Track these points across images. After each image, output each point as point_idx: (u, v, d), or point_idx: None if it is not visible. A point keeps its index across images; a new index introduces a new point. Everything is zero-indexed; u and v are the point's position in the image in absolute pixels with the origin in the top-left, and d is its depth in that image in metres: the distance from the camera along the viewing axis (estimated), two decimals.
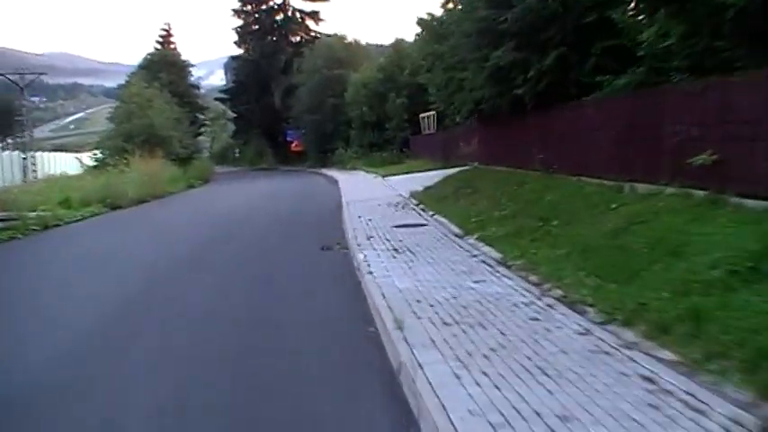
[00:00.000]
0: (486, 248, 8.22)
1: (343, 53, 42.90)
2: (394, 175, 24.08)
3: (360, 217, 12.51)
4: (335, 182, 25.76)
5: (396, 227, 10.88)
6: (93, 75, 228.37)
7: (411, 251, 8.51)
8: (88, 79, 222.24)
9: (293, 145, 50.16)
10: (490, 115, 15.37)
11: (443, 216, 11.47)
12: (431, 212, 12.39)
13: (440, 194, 14.75)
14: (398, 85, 35.60)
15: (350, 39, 44.73)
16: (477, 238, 8.90)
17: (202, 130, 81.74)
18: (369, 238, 9.79)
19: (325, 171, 35.26)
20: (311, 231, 11.97)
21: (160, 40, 54.83)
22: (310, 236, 11.35)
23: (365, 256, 8.30)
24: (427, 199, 14.44)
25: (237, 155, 76.67)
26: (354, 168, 33.32)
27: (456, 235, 9.64)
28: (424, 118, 30.78)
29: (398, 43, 37.92)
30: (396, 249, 8.71)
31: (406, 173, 24.09)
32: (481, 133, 19.33)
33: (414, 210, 13.42)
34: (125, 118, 28.54)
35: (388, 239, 9.59)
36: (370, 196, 17.11)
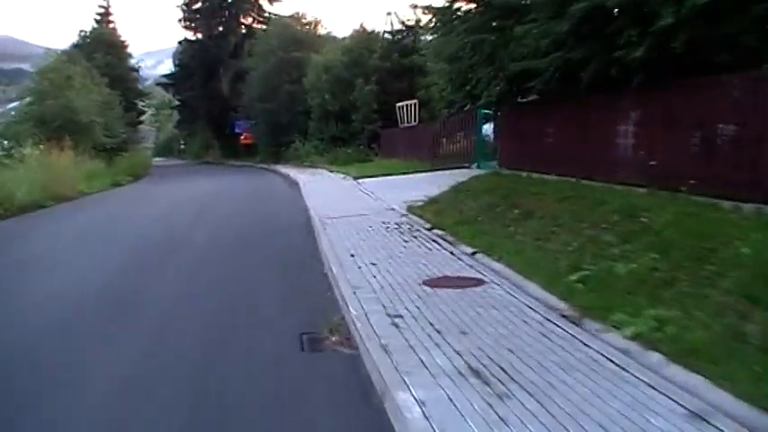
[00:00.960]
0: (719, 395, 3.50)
1: (302, 34, 37.74)
2: (368, 177, 19.33)
3: (352, 255, 7.70)
4: (295, 183, 20.86)
5: (429, 285, 6.17)
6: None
7: (520, 385, 3.69)
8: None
9: (242, 137, 44.71)
10: (544, 97, 10.81)
11: (499, 258, 6.77)
12: (467, 247, 7.67)
13: (460, 212, 10.07)
14: (367, 70, 30.81)
15: (310, 18, 39.44)
16: (666, 356, 3.90)
17: (144, 118, 75.17)
18: (394, 321, 5.02)
19: (280, 168, 30.18)
20: (274, 283, 7.10)
21: (98, 18, 48.53)
22: (273, 296, 6.53)
23: (418, 402, 3.55)
24: (443, 219, 9.73)
25: (183, 147, 71.08)
26: (314, 166, 28.40)
27: (569, 319, 4.88)
28: (401, 107, 26.09)
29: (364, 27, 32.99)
30: (475, 372, 3.88)
31: (385, 175, 19.39)
32: (510, 124, 14.79)
33: (431, 238, 8.69)
34: (37, 99, 22.85)
35: (433, 326, 4.83)
36: (348, 208, 12.33)
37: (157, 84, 50.47)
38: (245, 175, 29.04)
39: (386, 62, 31.68)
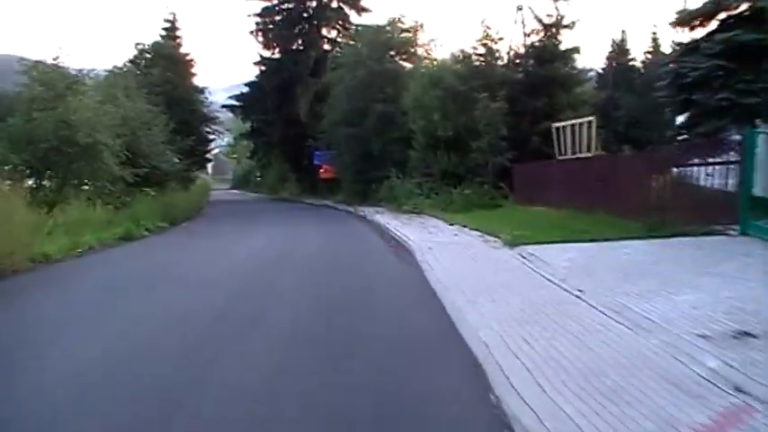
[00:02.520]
0: None
1: (400, 42, 29.75)
2: (534, 241, 10.76)
3: None
4: (405, 249, 12.51)
5: None
6: None
7: None
8: None
9: (321, 170, 37.13)
10: None
11: None
12: None
13: None
14: (491, 82, 22.51)
15: (410, 23, 31.24)
16: None
17: (220, 148, 68.84)
18: None
19: (371, 213, 21.96)
20: None
21: (162, 33, 42.56)
22: None
23: None
24: None
25: (258, 179, 64.32)
26: (419, 212, 20.09)
27: None
28: (561, 129, 17.51)
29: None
30: None
31: (563, 240, 10.83)
32: None
33: None
34: (23, 111, 15.53)
35: None
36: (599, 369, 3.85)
37: (223, 106, 43.53)
38: (321, 223, 20.97)
39: (518, 72, 23.36)
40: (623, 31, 47.32)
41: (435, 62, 26.81)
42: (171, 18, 45.13)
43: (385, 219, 18.87)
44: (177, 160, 27.84)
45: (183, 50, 43.41)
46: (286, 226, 20.18)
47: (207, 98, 43.94)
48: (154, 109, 23.86)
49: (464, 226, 14.91)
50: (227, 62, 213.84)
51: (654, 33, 36.49)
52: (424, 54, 30.34)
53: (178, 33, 45.15)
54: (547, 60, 22.90)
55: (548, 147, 19.74)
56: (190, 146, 34.99)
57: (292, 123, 38.19)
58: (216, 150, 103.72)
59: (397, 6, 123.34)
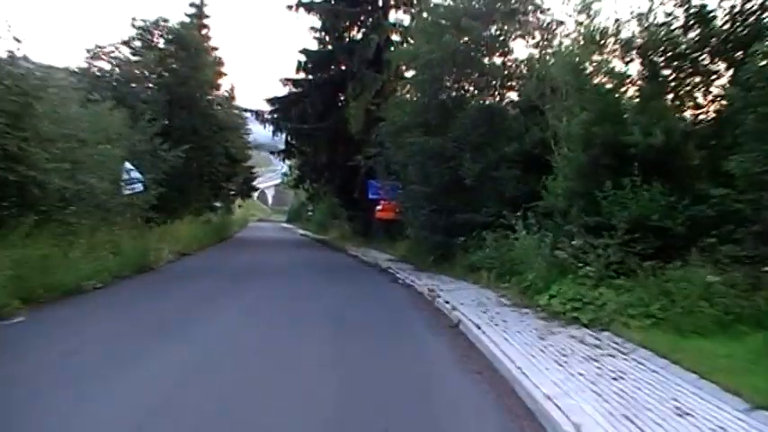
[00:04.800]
0: None
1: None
2: None
3: None
4: None
5: None
6: None
7: None
8: None
9: (379, 208, 25.37)
10: None
11: None
12: None
13: None
14: None
15: None
16: None
17: (258, 172, 59.70)
18: None
19: (470, 308, 9.81)
20: None
21: (186, 19, 32.16)
22: None
23: None
24: None
25: (310, 214, 55.20)
26: (601, 326, 8.00)
27: None
28: None
29: None
30: None
31: None
32: None
33: None
34: None
35: None
36: None
37: (245, 110, 31.67)
38: (345, 331, 8.88)
39: None
40: None
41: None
42: (198, 3, 35.01)
43: (535, 358, 6.65)
44: (138, 185, 16.74)
45: (208, 44, 33.16)
46: (306, 300, 9.15)
47: (246, 119, 33.10)
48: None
49: None
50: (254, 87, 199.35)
51: None
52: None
53: (206, 22, 34.98)
54: None
55: None
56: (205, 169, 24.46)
57: (340, 137, 26.61)
58: (274, 180, 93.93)
59: None
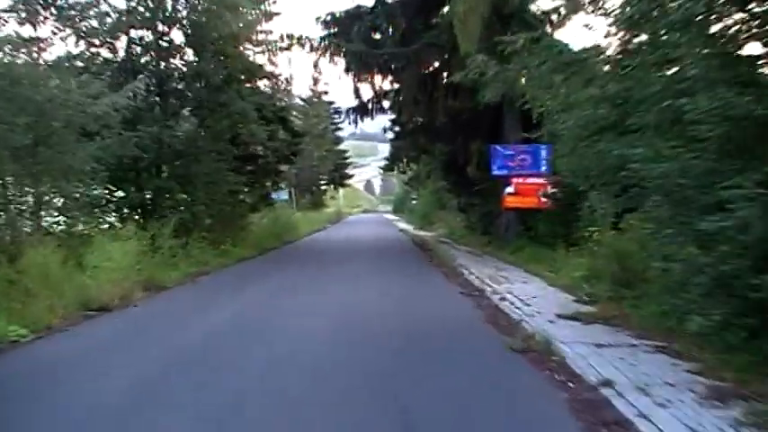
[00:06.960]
0: None
1: None
2: None
3: None
4: None
5: None
6: None
7: None
8: None
9: (510, 191, 15.05)
10: None
11: None
12: None
13: None
14: None
15: None
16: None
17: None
18: None
19: None
20: None
21: None
22: None
23: None
24: None
25: (414, 203, 48.27)
26: None
27: None
28: None
29: None
30: None
31: None
32: None
33: None
34: None
35: None
36: None
37: (297, 38, 19.36)
38: None
39: None
40: None
41: None
42: None
43: None
44: None
45: None
46: None
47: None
48: None
49: None
50: None
51: None
52: None
53: None
54: None
55: None
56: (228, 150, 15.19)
57: (440, 78, 16.19)
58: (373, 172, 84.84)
59: None
